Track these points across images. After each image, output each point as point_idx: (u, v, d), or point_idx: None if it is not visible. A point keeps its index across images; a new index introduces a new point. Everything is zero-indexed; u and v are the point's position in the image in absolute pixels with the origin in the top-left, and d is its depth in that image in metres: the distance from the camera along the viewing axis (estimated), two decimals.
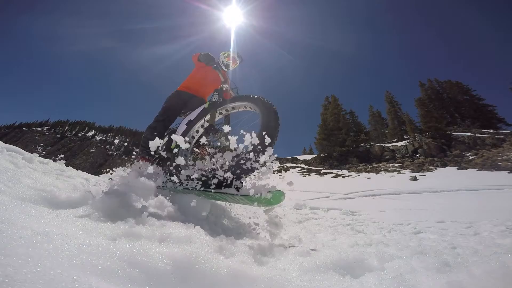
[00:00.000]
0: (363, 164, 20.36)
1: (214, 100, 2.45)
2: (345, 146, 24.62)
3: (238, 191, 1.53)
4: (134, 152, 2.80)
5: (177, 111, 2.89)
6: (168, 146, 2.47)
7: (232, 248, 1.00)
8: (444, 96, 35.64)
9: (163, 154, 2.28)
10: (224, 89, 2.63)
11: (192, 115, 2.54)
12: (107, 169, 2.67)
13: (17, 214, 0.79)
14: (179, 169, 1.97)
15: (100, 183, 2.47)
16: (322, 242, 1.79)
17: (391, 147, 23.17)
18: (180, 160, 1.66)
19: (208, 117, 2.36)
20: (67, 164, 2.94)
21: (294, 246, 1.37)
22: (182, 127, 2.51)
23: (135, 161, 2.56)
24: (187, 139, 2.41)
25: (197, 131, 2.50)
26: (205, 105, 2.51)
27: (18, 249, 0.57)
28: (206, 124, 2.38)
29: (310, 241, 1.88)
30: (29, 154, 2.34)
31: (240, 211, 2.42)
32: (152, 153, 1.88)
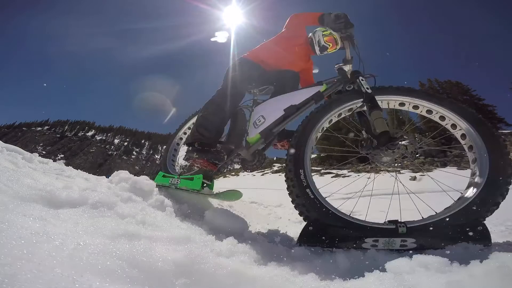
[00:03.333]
0: (363, 164, 20.36)
1: (367, 88, 1.55)
2: (345, 146, 24.64)
3: None
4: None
5: (248, 85, 1.99)
6: (238, 136, 1.75)
7: (232, 248, 1.00)
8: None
9: (243, 154, 1.59)
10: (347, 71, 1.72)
11: (296, 98, 1.68)
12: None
13: (17, 214, 0.79)
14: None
15: (100, 182, 2.45)
16: None
17: None
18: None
19: (376, 116, 1.50)
20: (67, 164, 2.93)
21: (293, 246, 1.37)
22: (275, 113, 1.65)
23: (190, 164, 1.74)
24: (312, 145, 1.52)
25: (323, 128, 1.66)
26: (322, 88, 1.70)
27: (18, 249, 0.57)
28: (334, 117, 1.61)
29: None
30: (29, 154, 2.33)
31: (240, 210, 2.42)
32: (219, 151, 1.29)
